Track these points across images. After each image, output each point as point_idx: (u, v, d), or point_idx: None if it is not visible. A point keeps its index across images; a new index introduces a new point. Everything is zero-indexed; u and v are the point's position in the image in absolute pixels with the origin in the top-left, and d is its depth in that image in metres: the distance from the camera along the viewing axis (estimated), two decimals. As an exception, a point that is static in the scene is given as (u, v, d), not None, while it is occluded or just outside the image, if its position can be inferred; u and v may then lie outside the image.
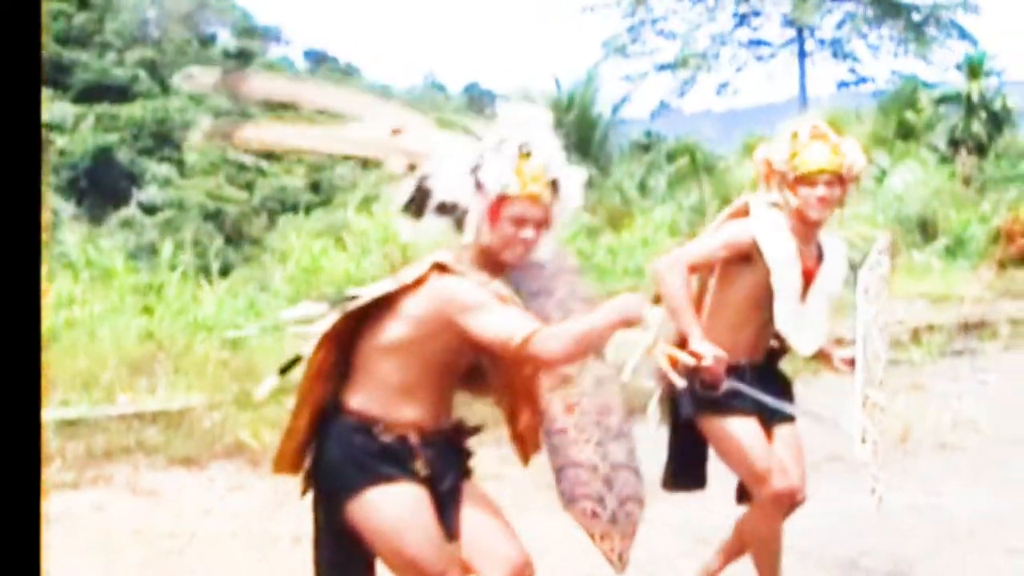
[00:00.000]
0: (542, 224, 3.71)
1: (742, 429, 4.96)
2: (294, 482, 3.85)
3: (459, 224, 3.72)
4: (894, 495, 5.44)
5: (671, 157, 28.57)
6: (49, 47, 39.93)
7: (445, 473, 3.78)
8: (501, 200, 3.65)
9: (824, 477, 7.61)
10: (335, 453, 3.71)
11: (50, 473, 7.57)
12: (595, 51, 45.00)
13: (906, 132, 29.23)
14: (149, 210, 41.19)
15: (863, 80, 43.89)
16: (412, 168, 3.83)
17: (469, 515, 3.80)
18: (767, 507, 5.02)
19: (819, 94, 42.39)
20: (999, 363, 12.05)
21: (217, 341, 11.29)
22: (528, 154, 3.68)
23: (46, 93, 36.09)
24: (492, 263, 3.70)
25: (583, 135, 27.89)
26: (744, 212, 4.96)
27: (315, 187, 42.51)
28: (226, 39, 52.09)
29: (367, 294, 3.72)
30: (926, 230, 22.83)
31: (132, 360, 10.30)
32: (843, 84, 44.10)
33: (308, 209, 35.04)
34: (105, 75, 44.11)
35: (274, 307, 13.90)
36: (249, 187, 43.00)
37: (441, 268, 3.64)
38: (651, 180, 28.00)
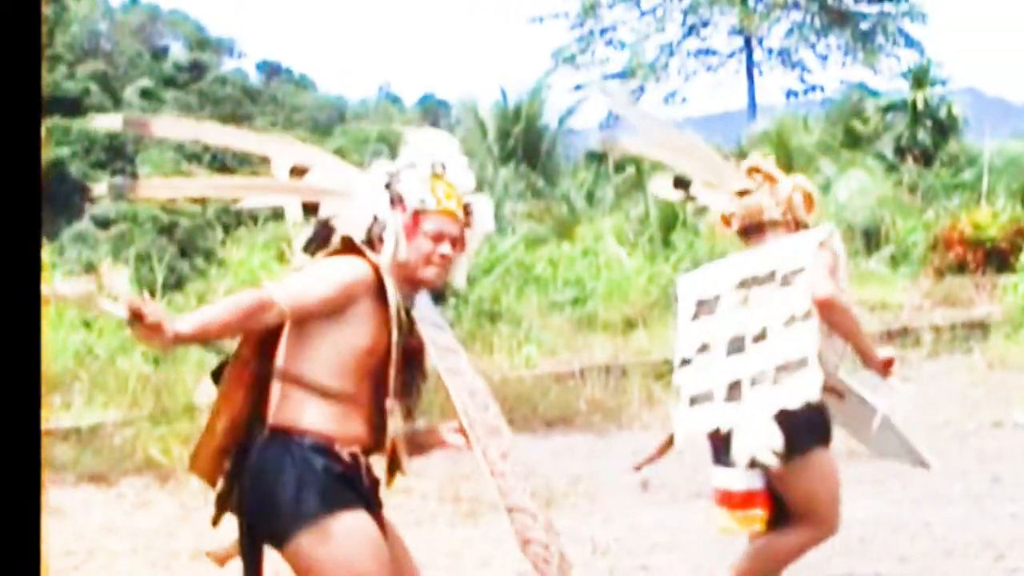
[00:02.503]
0: (457, 243, 3.73)
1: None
2: (200, 498, 3.70)
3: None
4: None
5: (619, 167, 28.64)
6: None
7: (374, 496, 3.69)
8: (417, 215, 3.66)
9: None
10: (289, 479, 3.46)
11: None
12: (545, 61, 44.89)
13: (853, 141, 29.38)
14: (102, 224, 40.98)
15: (812, 89, 44.11)
16: (313, 208, 3.79)
17: (394, 549, 3.70)
18: (814, 543, 5.14)
19: (771, 103, 42.59)
20: (920, 371, 12.09)
21: (142, 356, 11.27)
22: (440, 174, 3.72)
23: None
24: (409, 281, 3.69)
25: (530, 145, 27.92)
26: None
27: (269, 200, 42.39)
28: (179, 52, 51.83)
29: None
30: (871, 239, 22.94)
31: (52, 376, 10.26)
32: (791, 93, 44.33)
33: (265, 222, 34.91)
34: (56, 88, 43.82)
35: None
36: (203, 200, 42.80)
37: (349, 244, 3.64)
38: (599, 190, 28.07)
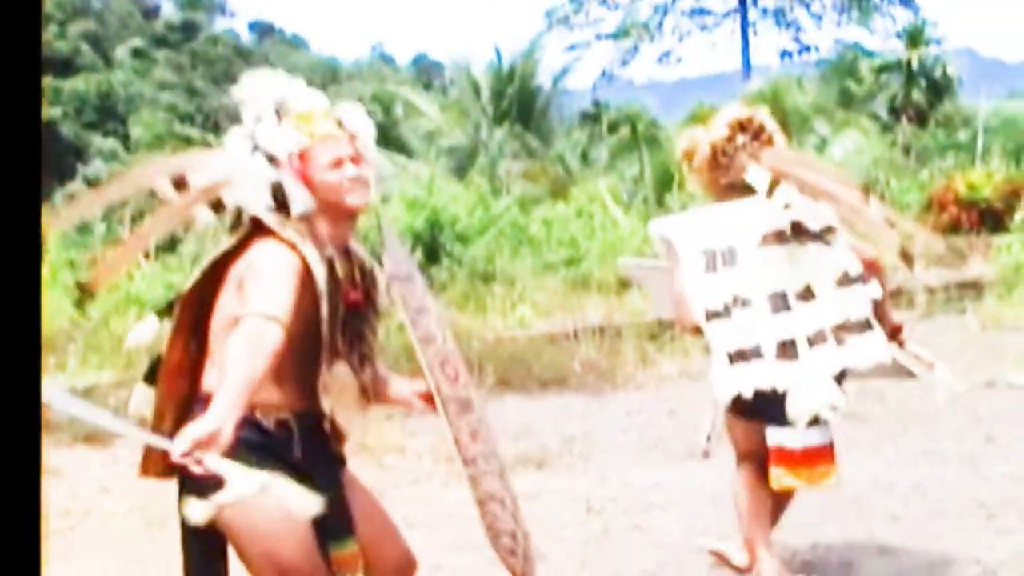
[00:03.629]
0: (357, 159, 3.61)
1: None
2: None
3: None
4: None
5: (613, 127, 28.61)
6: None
7: (320, 460, 3.64)
8: (301, 157, 3.55)
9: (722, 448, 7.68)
10: None
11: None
12: (539, 22, 44.76)
13: (847, 101, 29.37)
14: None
15: (806, 49, 44.10)
16: (220, 204, 3.62)
17: (357, 509, 3.68)
18: None
19: (766, 63, 42.53)
20: (915, 332, 12.05)
21: (137, 318, 11.23)
22: (286, 112, 3.60)
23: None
24: (341, 217, 3.60)
25: (524, 106, 27.86)
26: None
27: (262, 159, 42.32)
28: (170, 11, 51.72)
29: (196, 272, 3.59)
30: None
31: (46, 338, 10.23)
32: (786, 53, 44.31)
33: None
34: (47, 48, 43.70)
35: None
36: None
37: (258, 226, 3.53)
38: (593, 150, 28.04)
